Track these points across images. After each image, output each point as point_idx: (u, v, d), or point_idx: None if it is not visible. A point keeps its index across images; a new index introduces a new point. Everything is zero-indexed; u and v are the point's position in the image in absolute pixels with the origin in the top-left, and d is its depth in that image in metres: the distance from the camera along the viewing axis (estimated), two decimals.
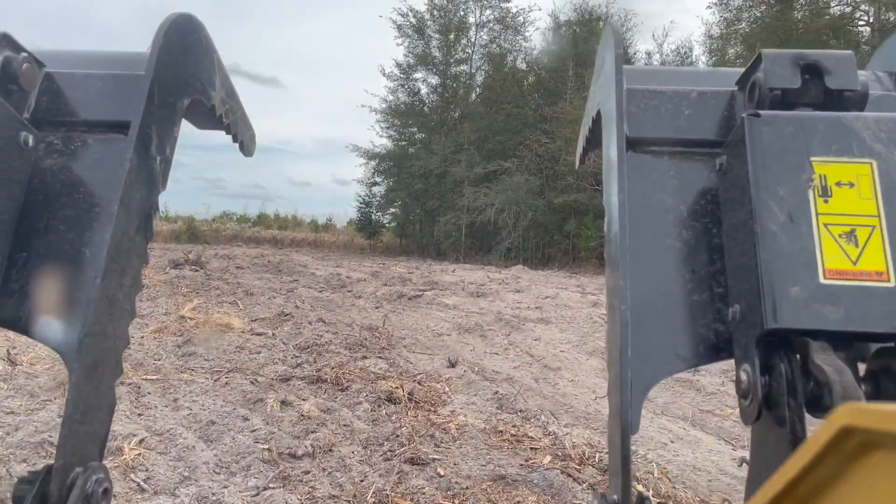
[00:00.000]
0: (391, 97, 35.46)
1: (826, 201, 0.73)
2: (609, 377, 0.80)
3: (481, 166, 30.32)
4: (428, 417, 5.43)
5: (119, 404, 4.85)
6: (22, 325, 0.81)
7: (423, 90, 35.83)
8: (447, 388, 6.28)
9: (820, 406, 0.67)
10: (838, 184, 0.74)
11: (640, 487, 3.98)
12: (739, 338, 0.76)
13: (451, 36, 34.53)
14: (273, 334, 8.04)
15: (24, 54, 0.89)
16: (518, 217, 28.05)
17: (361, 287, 14.15)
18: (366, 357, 7.23)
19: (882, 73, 0.96)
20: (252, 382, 5.79)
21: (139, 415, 4.72)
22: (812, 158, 0.76)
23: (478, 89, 35.69)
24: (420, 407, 5.64)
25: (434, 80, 35.54)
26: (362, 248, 36.20)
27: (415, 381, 6.39)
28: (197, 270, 14.71)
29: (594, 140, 1.13)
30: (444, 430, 5.16)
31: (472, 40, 35.01)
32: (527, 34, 35.73)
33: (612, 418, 0.77)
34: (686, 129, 0.90)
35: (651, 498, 0.84)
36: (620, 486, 0.71)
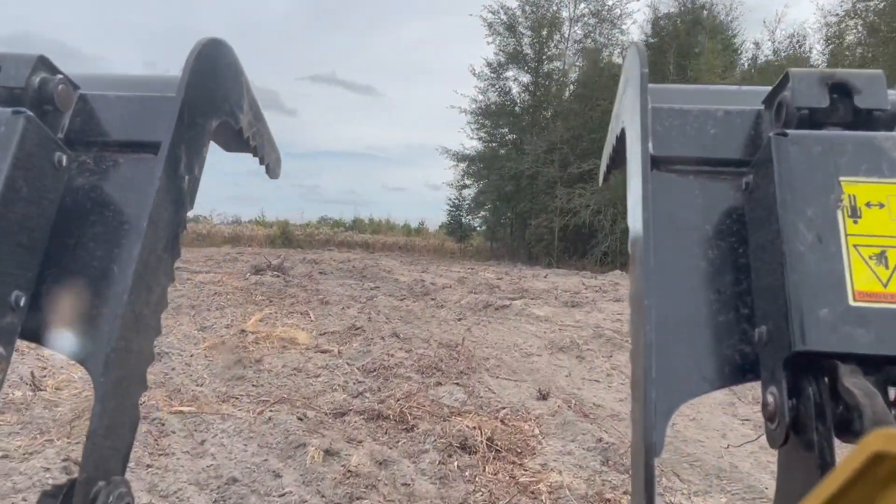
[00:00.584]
0: (481, 97, 34.29)
1: (855, 222, 0.72)
2: (632, 399, 0.77)
3: (575, 166, 28.47)
4: (512, 473, 4.19)
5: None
6: (50, 339, 0.81)
7: (514, 89, 34.42)
8: (537, 430, 5.01)
9: (849, 430, 0.64)
10: (868, 204, 0.73)
11: None
12: (766, 360, 0.74)
13: (544, 32, 32.94)
14: (339, 352, 7.05)
15: (60, 76, 0.91)
16: (615, 219, 26.10)
17: (445, 295, 13.05)
18: (440, 383, 6.07)
19: None
20: (300, 418, 4.76)
21: (148, 466, 3.76)
22: (841, 178, 0.74)
23: (571, 86, 33.72)
24: (502, 457, 4.41)
25: (525, 78, 34.06)
26: (452, 253, 35.27)
27: (497, 418, 5.16)
28: (278, 276, 14.15)
29: (618, 158, 1.11)
30: (534, 495, 3.90)
31: (566, 35, 33.27)
32: (623, 27, 33.30)
33: (635, 440, 0.73)
34: (712, 147, 0.89)
35: None
36: None
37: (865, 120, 0.81)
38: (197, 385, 5.47)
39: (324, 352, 7.01)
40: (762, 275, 0.77)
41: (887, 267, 0.69)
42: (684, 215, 0.84)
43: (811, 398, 0.67)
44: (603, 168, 1.27)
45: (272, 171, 1.25)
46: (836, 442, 0.64)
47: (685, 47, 29.68)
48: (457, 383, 6.13)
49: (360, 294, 12.32)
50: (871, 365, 0.67)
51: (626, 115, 0.96)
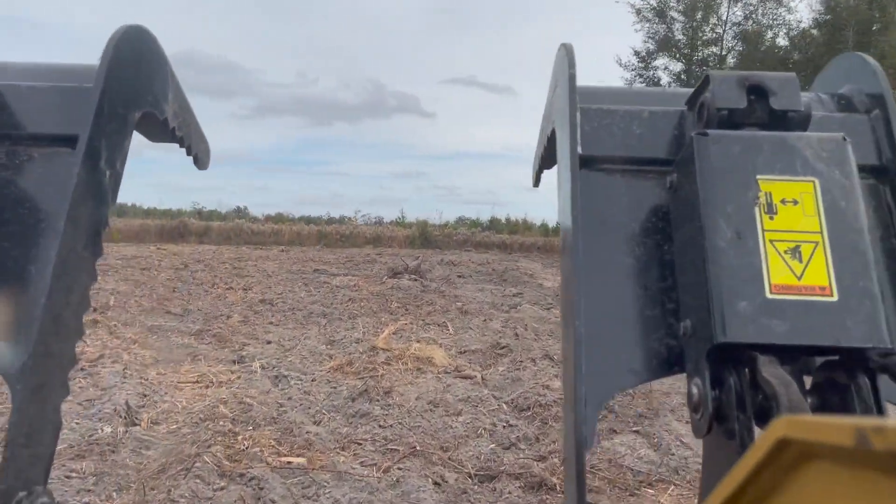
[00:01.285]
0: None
1: (772, 218, 0.74)
2: (564, 393, 0.79)
3: None
4: None
5: None
6: None
7: (664, 79, 31.68)
8: None
9: (768, 418, 0.66)
10: (783, 201, 0.75)
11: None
12: (690, 352, 0.76)
13: (698, 15, 29.94)
14: (482, 378, 5.79)
15: None
16: None
17: None
18: (614, 431, 4.61)
19: (824, 95, 0.98)
20: (436, 482, 3.54)
21: None
22: (758, 176, 0.77)
23: None
24: None
25: (676, 66, 31.20)
26: None
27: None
28: (415, 280, 13.27)
29: (549, 158, 1.12)
30: None
31: (724, 18, 30.01)
32: (791, 5, 29.61)
33: (566, 434, 0.76)
34: (637, 147, 0.90)
35: None
36: (576, 499, 0.70)
37: (781, 120, 0.83)
38: (314, 423, 4.44)
39: (465, 377, 5.80)
40: (686, 270, 0.79)
41: (801, 261, 0.72)
42: (612, 213, 0.86)
43: (732, 388, 0.69)
44: (535, 169, 1.28)
45: (201, 161, 1.19)
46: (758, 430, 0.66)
47: (866, 23, 25.48)
48: (636, 431, 4.64)
49: (502, 301, 11.05)
50: (788, 355, 0.70)
51: (556, 116, 0.95)
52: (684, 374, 0.80)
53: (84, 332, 0.85)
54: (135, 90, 0.93)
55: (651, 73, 31.47)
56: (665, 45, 30.50)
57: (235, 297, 9.99)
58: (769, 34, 29.67)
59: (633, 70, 31.45)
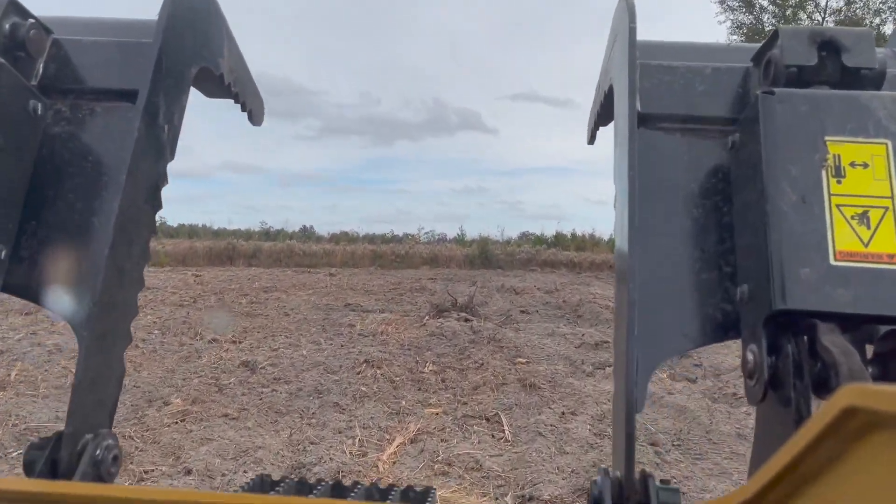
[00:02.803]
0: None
1: (839, 182, 0.70)
2: (615, 355, 0.77)
3: None
4: None
5: None
6: (32, 293, 0.79)
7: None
8: None
9: (826, 388, 0.64)
10: (852, 164, 0.70)
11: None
12: (747, 318, 0.73)
13: (792, 2, 25.67)
14: None
15: (32, 20, 0.86)
16: None
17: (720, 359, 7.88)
18: None
19: None
20: None
21: None
22: (826, 138, 0.72)
23: None
24: None
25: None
26: None
27: None
28: (468, 321, 10.11)
29: (606, 115, 1.09)
30: None
31: (822, 5, 25.63)
32: None
33: (616, 396, 0.74)
34: (699, 105, 0.86)
35: (654, 475, 0.68)
36: (624, 463, 0.68)
37: (853, 78, 0.78)
38: None
39: None
40: (745, 234, 0.75)
41: (869, 227, 0.68)
42: (670, 173, 0.82)
43: (790, 356, 0.66)
44: (590, 125, 1.22)
45: (255, 117, 1.17)
46: (814, 399, 0.63)
47: None
48: None
49: (583, 357, 7.70)
50: (850, 323, 0.66)
51: (615, 72, 0.92)
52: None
53: (144, 283, 0.84)
54: (192, 46, 0.91)
55: None
56: (753, 36, 26.27)
57: (211, 356, 7.09)
58: (875, 21, 25.09)
59: (731, 9, 27.36)
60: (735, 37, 26.63)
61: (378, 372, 6.45)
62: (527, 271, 27.07)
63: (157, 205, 0.86)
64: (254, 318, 10.03)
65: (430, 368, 6.72)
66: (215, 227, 38.62)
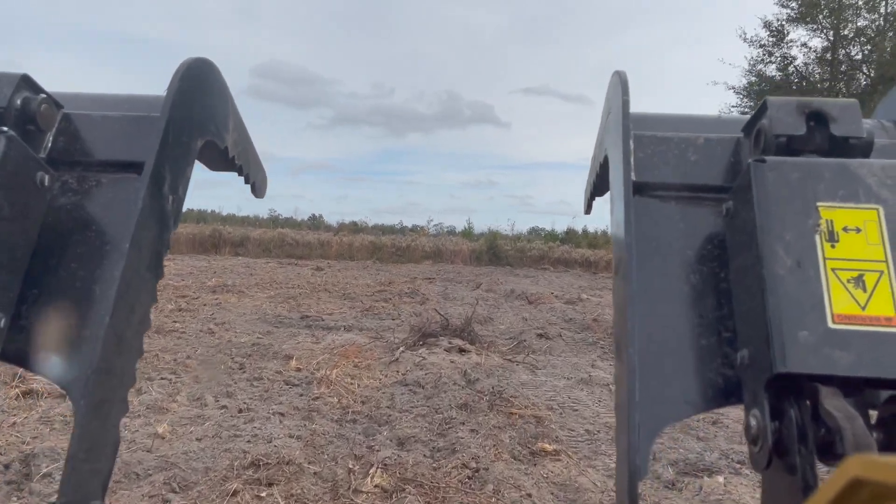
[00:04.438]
0: (752, 72, 24.17)
1: (833, 246, 0.70)
2: (617, 421, 0.75)
3: None
4: None
5: None
6: (30, 361, 0.76)
7: (800, 59, 23.79)
8: None
9: (831, 453, 0.61)
10: (845, 229, 0.70)
11: None
12: (748, 382, 0.71)
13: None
14: None
15: (43, 95, 0.86)
16: None
17: None
18: None
19: (887, 122, 0.93)
20: None
21: None
22: (818, 203, 0.72)
23: (888, 54, 22.23)
24: None
25: (817, 42, 23.26)
26: None
27: None
28: (462, 352, 6.80)
29: (602, 186, 1.09)
30: None
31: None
32: None
33: (619, 462, 0.72)
34: (693, 174, 0.86)
35: None
36: None
37: (841, 147, 0.79)
38: None
39: None
40: (743, 299, 0.75)
41: (865, 290, 0.67)
42: (666, 240, 0.82)
43: (793, 421, 0.64)
44: (586, 196, 1.22)
45: (258, 189, 1.16)
46: (821, 465, 0.61)
47: None
48: None
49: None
50: (852, 387, 0.65)
51: (609, 143, 0.93)
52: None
53: (143, 351, 0.82)
54: (198, 120, 0.92)
55: (784, 49, 23.66)
56: (810, 10, 22.51)
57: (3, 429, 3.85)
58: None
59: (760, 46, 23.75)
60: (788, 8, 22.99)
61: (267, 496, 3.15)
62: (539, 270, 23.66)
63: (159, 273, 0.85)
64: (153, 340, 6.77)
65: (377, 482, 3.41)
66: (224, 213, 38.17)
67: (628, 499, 0.65)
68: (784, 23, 23.08)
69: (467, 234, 30.42)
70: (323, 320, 8.57)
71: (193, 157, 0.92)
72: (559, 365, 6.91)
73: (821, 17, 22.25)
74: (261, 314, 8.85)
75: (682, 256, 0.80)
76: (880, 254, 0.68)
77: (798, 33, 23.78)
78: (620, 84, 0.86)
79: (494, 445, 4.02)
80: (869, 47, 22.12)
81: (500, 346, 7.67)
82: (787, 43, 23.44)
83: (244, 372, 5.64)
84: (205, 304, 9.24)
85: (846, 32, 22.32)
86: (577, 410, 5.19)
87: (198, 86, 0.92)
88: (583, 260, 26.49)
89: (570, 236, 36.89)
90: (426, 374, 5.76)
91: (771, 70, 23.92)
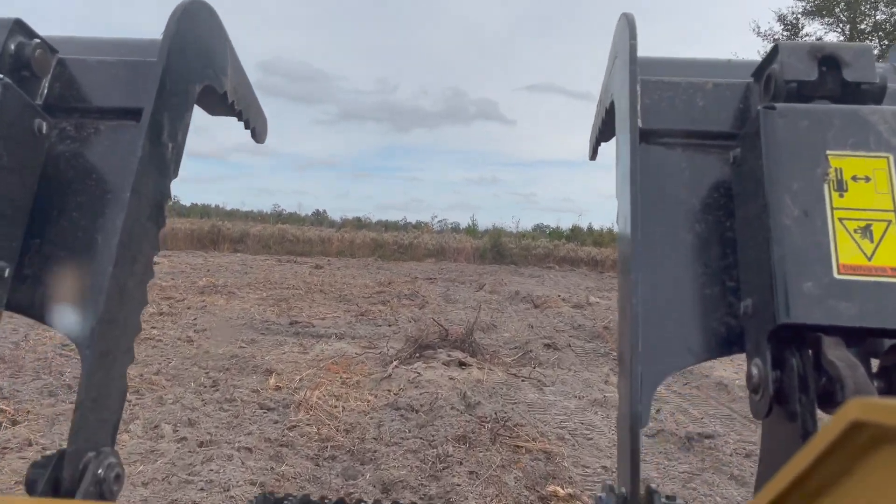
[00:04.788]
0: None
1: (841, 195, 0.68)
2: (619, 371, 0.75)
3: None
4: None
5: None
6: (35, 310, 0.76)
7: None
8: None
9: (832, 402, 0.62)
10: (854, 178, 0.68)
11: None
12: (751, 332, 0.71)
13: None
14: None
15: (37, 40, 0.83)
16: None
17: None
18: None
19: None
20: None
21: None
22: (828, 152, 0.70)
23: None
24: None
25: (833, 36, 22.39)
26: None
27: None
28: (462, 366, 6.13)
29: (607, 131, 1.06)
30: None
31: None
32: None
33: (621, 411, 0.73)
34: (700, 120, 0.84)
35: (659, 491, 0.67)
36: (629, 478, 0.66)
37: (854, 93, 0.75)
38: None
39: None
40: (748, 248, 0.73)
41: (872, 240, 0.66)
42: (672, 189, 0.80)
43: (795, 370, 0.64)
44: (591, 141, 1.18)
45: (258, 134, 1.13)
46: (820, 413, 0.60)
47: None
48: None
49: (675, 470, 3.72)
50: (855, 337, 0.64)
51: (616, 88, 0.90)
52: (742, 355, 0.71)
53: (148, 300, 0.80)
54: (196, 64, 0.89)
55: (809, 35, 22.79)
56: (828, 1, 21.62)
57: None
58: None
59: (774, 40, 22.91)
60: (804, 3, 22.19)
61: None
62: (544, 269, 22.94)
63: (161, 222, 0.82)
64: None
65: None
66: (228, 208, 38.21)
67: (630, 446, 0.65)
68: (799, 16, 22.25)
69: (471, 231, 29.70)
70: (313, 326, 7.91)
71: (192, 103, 0.89)
72: (569, 381, 6.23)
73: (837, 10, 21.39)
74: (248, 319, 8.19)
75: (688, 205, 0.78)
76: (889, 203, 0.67)
77: (813, 27, 22.81)
78: (628, 27, 0.84)
79: (497, 494, 3.35)
80: (887, 42, 21.24)
81: (505, 357, 7.00)
82: (802, 37, 22.59)
83: (216, 391, 4.98)
84: (189, 308, 8.59)
85: (863, 27, 21.45)
86: (591, 440, 4.52)
87: (194, 29, 0.88)
88: (589, 259, 25.73)
89: (575, 234, 36.14)
90: (421, 394, 5.10)
91: None
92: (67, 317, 0.74)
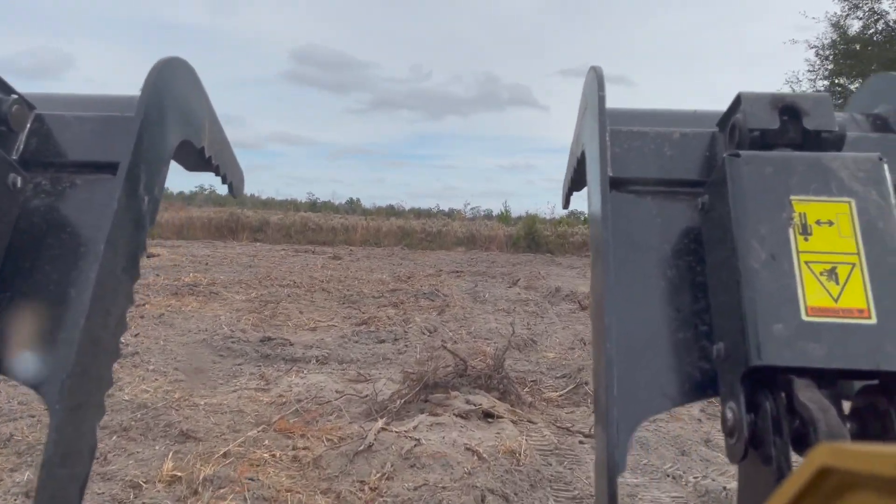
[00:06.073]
0: (836, 28, 20.26)
1: (806, 239, 0.69)
2: (595, 416, 0.74)
3: None
4: None
5: None
6: (4, 364, 0.73)
7: (892, 14, 19.75)
8: None
9: (805, 444, 0.61)
10: (818, 222, 0.70)
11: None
12: (724, 375, 0.70)
13: None
14: None
15: (14, 96, 0.83)
16: None
17: None
18: None
19: (859, 115, 0.91)
20: None
21: None
22: (792, 197, 0.71)
23: None
24: None
25: None
26: None
27: None
28: (489, 421, 3.97)
29: (579, 180, 1.08)
30: None
31: None
32: None
33: (598, 458, 0.71)
34: (669, 169, 0.85)
35: None
36: None
37: (814, 141, 0.78)
38: None
39: None
40: (719, 292, 0.74)
41: (837, 282, 0.67)
42: (643, 235, 0.81)
43: (768, 413, 0.63)
44: (564, 191, 1.20)
45: (235, 189, 1.13)
46: (795, 456, 0.60)
47: None
48: None
49: None
50: (826, 379, 0.64)
51: (586, 138, 0.91)
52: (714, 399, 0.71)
53: (121, 354, 0.78)
54: (173, 119, 0.89)
55: (872, 3, 19.64)
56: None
57: None
58: None
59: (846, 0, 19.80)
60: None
61: None
62: (583, 258, 20.46)
63: (135, 274, 0.81)
64: (9, 382, 4.15)
65: None
66: (263, 198, 37.76)
67: (607, 494, 0.64)
68: None
69: (504, 218, 27.32)
70: (291, 346, 5.83)
71: (169, 158, 0.89)
72: (652, 442, 4.01)
73: None
74: (212, 332, 6.17)
75: (659, 251, 0.79)
76: (852, 246, 0.68)
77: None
78: (597, 80, 0.86)
79: None
80: None
81: (550, 392, 4.81)
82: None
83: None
84: (142, 317, 6.62)
85: None
86: None
87: (173, 85, 0.89)
88: None
89: None
90: (418, 489, 2.95)
91: (856, 27, 20.04)
92: (37, 370, 0.70)
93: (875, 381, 0.65)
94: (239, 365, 5.18)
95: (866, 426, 0.64)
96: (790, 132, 0.77)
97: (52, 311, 0.73)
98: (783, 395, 0.64)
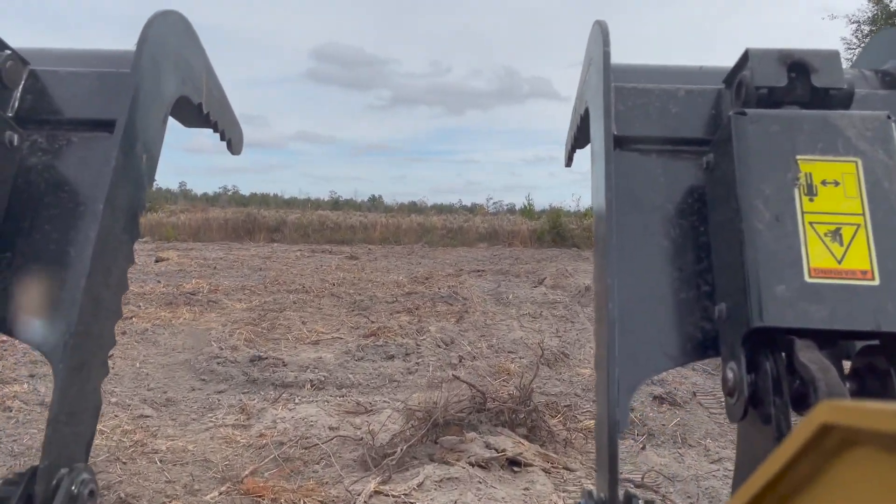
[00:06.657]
0: (875, 4, 18.87)
1: (811, 200, 0.68)
2: (597, 376, 0.73)
3: None
4: None
5: None
6: (7, 325, 0.73)
7: None
8: None
9: (805, 404, 0.62)
10: (824, 182, 0.68)
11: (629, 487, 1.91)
12: (726, 336, 0.70)
13: None
14: None
15: (8, 52, 0.81)
16: None
17: None
18: None
19: (868, 72, 0.89)
20: None
21: None
22: (798, 157, 0.70)
23: None
24: None
25: None
26: None
27: None
28: (523, 462, 3.13)
29: (582, 138, 1.05)
30: None
31: None
32: None
33: (599, 417, 0.71)
34: (673, 127, 0.83)
35: (638, 496, 0.66)
36: (608, 484, 0.65)
37: (822, 98, 0.75)
38: None
39: None
40: (722, 253, 0.73)
41: (842, 244, 0.65)
42: (647, 194, 0.79)
43: (769, 373, 0.63)
44: (567, 148, 1.17)
45: (234, 146, 1.10)
46: (794, 415, 0.59)
47: None
48: None
49: None
50: (827, 339, 0.64)
51: (590, 95, 0.89)
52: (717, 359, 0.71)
53: (122, 313, 0.78)
54: (170, 76, 0.86)
55: None
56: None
57: None
58: None
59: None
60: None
61: None
62: None
63: (136, 234, 0.80)
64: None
65: None
66: (286, 197, 37.96)
67: (608, 451, 0.64)
68: None
69: (527, 212, 26.31)
70: (284, 366, 5.04)
71: (167, 114, 0.87)
72: (721, 492, 3.12)
73: None
74: (197, 352, 5.43)
75: (662, 210, 0.77)
76: (858, 207, 0.66)
77: None
78: (601, 34, 0.83)
79: None
80: None
81: (589, 420, 3.94)
82: None
83: None
84: (124, 333, 5.91)
85: None
86: None
87: (168, 40, 0.85)
88: None
89: None
90: None
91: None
92: (40, 330, 0.71)
93: (875, 342, 0.64)
94: (220, 393, 4.41)
95: (866, 386, 0.64)
96: (798, 89, 0.75)
97: (53, 271, 0.73)
98: (783, 355, 0.64)
